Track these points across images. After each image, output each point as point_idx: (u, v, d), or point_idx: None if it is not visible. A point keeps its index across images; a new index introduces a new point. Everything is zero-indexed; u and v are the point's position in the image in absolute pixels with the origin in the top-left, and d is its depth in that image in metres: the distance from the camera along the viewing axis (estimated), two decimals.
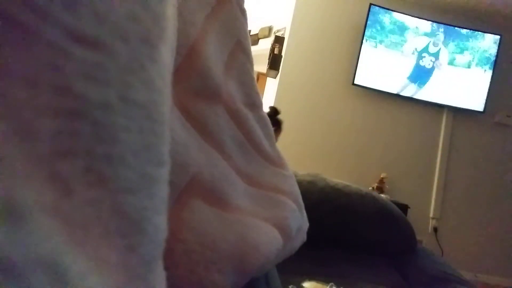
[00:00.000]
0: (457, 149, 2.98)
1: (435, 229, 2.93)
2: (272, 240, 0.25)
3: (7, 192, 0.09)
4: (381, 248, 1.14)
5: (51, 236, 0.09)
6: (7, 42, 0.09)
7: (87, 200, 0.11)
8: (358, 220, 1.12)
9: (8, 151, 0.09)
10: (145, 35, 0.13)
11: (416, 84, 2.85)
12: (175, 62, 0.21)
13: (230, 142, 0.26)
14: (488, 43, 2.86)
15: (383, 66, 2.83)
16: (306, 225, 0.33)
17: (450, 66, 2.88)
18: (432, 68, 2.85)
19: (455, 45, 2.86)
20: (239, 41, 0.29)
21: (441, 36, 2.86)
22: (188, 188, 0.21)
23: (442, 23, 2.85)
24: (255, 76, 0.32)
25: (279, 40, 2.86)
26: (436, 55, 2.86)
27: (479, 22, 2.91)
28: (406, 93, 2.86)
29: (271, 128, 0.33)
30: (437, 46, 2.86)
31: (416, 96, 2.87)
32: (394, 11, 2.81)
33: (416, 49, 2.85)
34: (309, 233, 0.34)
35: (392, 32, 2.81)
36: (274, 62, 2.85)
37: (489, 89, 2.86)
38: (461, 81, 2.88)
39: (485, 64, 2.87)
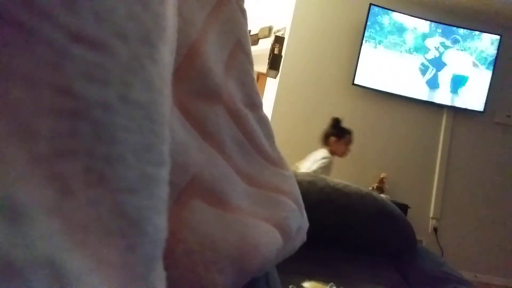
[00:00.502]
0: (457, 149, 2.98)
1: (435, 229, 2.93)
2: (272, 240, 0.25)
3: (7, 192, 0.09)
4: (381, 248, 1.14)
5: (51, 236, 0.09)
6: (7, 42, 0.09)
7: (87, 200, 0.11)
8: (358, 220, 1.12)
9: (8, 151, 0.09)
10: (145, 35, 0.13)
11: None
12: (175, 62, 0.21)
13: (230, 142, 0.26)
14: (486, 43, 2.86)
15: (383, 66, 2.83)
16: (306, 225, 0.33)
17: (450, 66, 2.88)
18: (438, 70, 2.86)
19: (454, 46, 2.87)
20: (239, 41, 0.29)
21: (439, 37, 2.86)
22: (188, 188, 0.21)
23: (442, 23, 2.85)
24: (255, 76, 0.32)
25: (279, 40, 2.86)
26: (436, 56, 2.87)
27: (479, 22, 2.91)
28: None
29: (271, 128, 0.33)
30: (437, 48, 2.86)
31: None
32: (394, 11, 2.81)
33: (416, 50, 2.85)
34: (309, 233, 0.34)
35: (391, 33, 2.81)
36: (274, 62, 2.85)
37: (489, 89, 2.86)
38: (460, 80, 2.88)
39: (482, 64, 2.87)
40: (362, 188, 1.21)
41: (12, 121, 0.09)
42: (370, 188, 2.61)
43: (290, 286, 0.65)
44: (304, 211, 0.33)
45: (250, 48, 0.31)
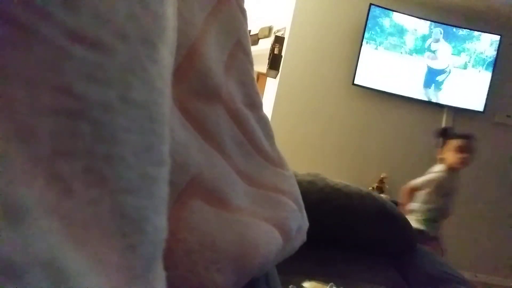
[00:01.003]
0: None
1: None
2: (272, 240, 0.25)
3: (7, 192, 0.09)
4: (381, 248, 1.14)
5: (51, 236, 0.09)
6: (7, 42, 0.09)
7: (87, 200, 0.11)
8: (358, 220, 1.12)
9: (8, 151, 0.09)
10: (145, 35, 0.13)
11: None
12: (175, 62, 0.20)
13: (230, 142, 0.26)
14: (485, 44, 2.86)
15: (383, 67, 2.83)
16: (306, 225, 0.33)
17: (450, 67, 2.89)
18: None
19: (453, 47, 2.87)
20: (239, 41, 0.29)
21: (440, 38, 2.86)
22: (188, 188, 0.21)
23: (442, 23, 2.85)
24: (255, 76, 0.32)
25: (279, 40, 2.86)
26: (437, 57, 2.87)
27: (479, 22, 2.91)
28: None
29: (271, 128, 0.33)
30: (436, 49, 2.87)
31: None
32: (394, 11, 2.81)
33: (416, 51, 2.85)
34: (309, 233, 0.34)
35: (391, 34, 2.82)
36: (274, 62, 2.85)
37: (489, 89, 2.86)
38: (460, 81, 2.88)
39: (481, 65, 2.87)
40: (362, 188, 1.21)
41: (12, 121, 0.09)
42: (370, 188, 2.61)
43: (290, 286, 0.65)
44: (304, 211, 0.33)
45: (250, 48, 0.31)
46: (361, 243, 1.12)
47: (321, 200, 1.09)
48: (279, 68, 2.85)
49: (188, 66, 0.22)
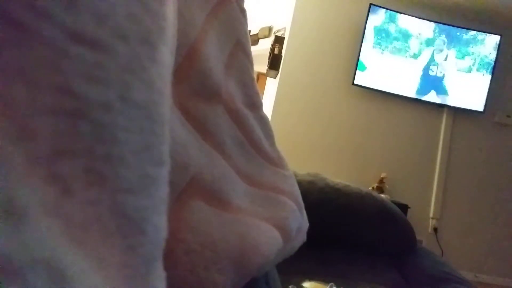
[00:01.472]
0: (457, 149, 2.98)
1: (435, 229, 2.93)
2: (272, 240, 0.25)
3: (7, 192, 0.09)
4: (381, 248, 1.14)
5: (51, 236, 0.09)
6: (7, 42, 0.09)
7: (87, 200, 0.11)
8: (358, 220, 1.12)
9: (7, 151, 0.09)
10: (145, 35, 0.13)
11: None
12: (175, 62, 0.21)
13: (230, 142, 0.26)
14: (487, 46, 2.87)
15: (384, 68, 2.83)
16: (306, 225, 0.33)
17: (454, 71, 2.89)
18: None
19: (457, 51, 2.87)
20: (239, 41, 0.29)
21: (441, 40, 2.87)
22: (188, 188, 0.21)
23: (441, 23, 2.85)
24: (255, 76, 0.32)
25: (279, 40, 2.86)
26: (437, 58, 2.87)
27: (479, 22, 2.91)
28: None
29: (271, 128, 0.33)
30: (440, 53, 2.87)
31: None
32: (395, 11, 2.81)
33: (419, 53, 2.86)
34: (309, 233, 0.34)
35: (396, 38, 2.83)
36: (274, 62, 2.85)
37: (489, 89, 2.86)
38: (462, 83, 2.88)
39: (485, 69, 2.88)
40: (362, 188, 1.21)
41: (11, 121, 0.09)
42: (370, 188, 2.61)
43: (290, 286, 0.65)
44: (304, 211, 0.33)
45: (250, 48, 0.31)
46: (361, 243, 1.12)
47: (321, 200, 1.09)
48: (279, 68, 2.85)
49: (188, 66, 0.22)
